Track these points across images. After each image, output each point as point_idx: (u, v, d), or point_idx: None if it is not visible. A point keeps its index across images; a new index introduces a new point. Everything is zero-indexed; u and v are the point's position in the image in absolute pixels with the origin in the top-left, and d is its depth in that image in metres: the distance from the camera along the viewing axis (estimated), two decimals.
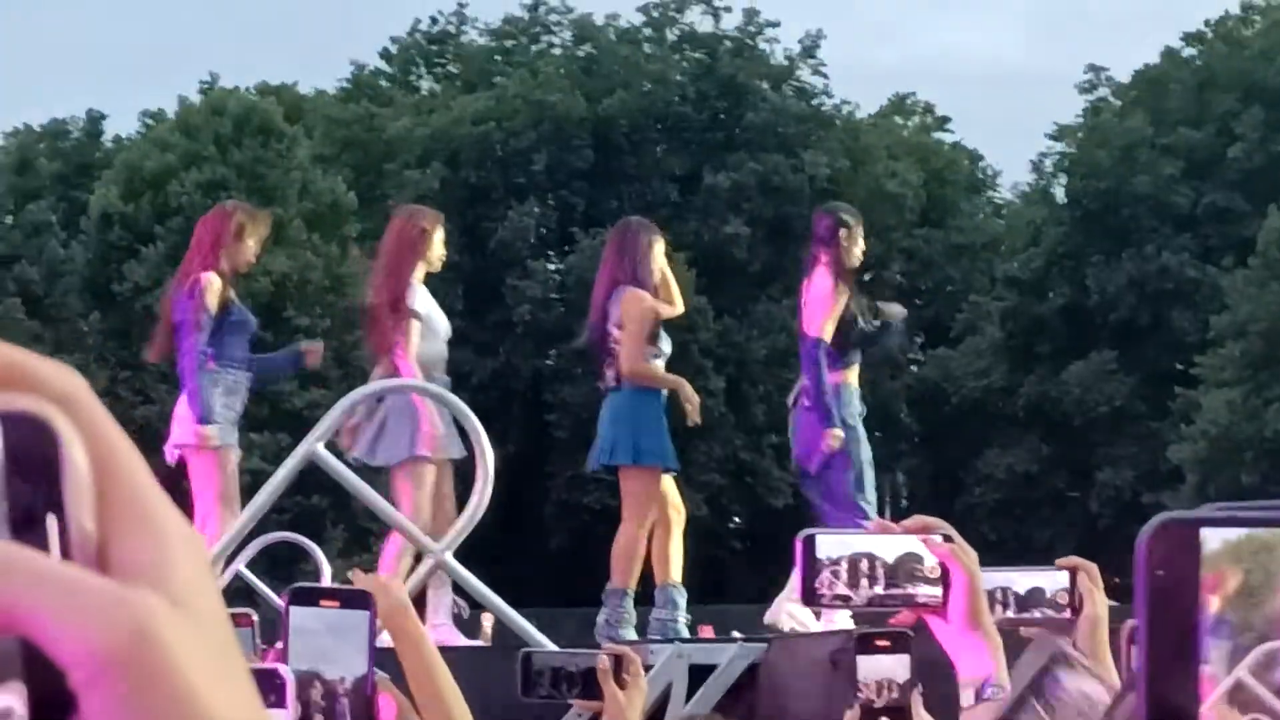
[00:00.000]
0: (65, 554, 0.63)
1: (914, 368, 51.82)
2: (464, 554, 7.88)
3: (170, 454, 9.31)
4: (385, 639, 4.01)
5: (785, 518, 38.79)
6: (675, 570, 9.43)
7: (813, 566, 2.68)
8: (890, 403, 47.54)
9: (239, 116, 45.38)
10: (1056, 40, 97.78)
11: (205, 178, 43.45)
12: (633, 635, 9.12)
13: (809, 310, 9.61)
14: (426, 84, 55.56)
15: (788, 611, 9.28)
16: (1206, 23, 51.91)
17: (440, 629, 8.68)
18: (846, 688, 3.24)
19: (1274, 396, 43.07)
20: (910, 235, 52.55)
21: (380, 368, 9.31)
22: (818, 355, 9.45)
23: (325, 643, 3.19)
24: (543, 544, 45.79)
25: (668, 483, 9.49)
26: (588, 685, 4.25)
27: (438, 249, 9.41)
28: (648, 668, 5.94)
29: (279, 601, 8.86)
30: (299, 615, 3.19)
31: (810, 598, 2.70)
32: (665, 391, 9.52)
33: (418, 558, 8.32)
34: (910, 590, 2.67)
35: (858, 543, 2.71)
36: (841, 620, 8.08)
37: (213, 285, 9.18)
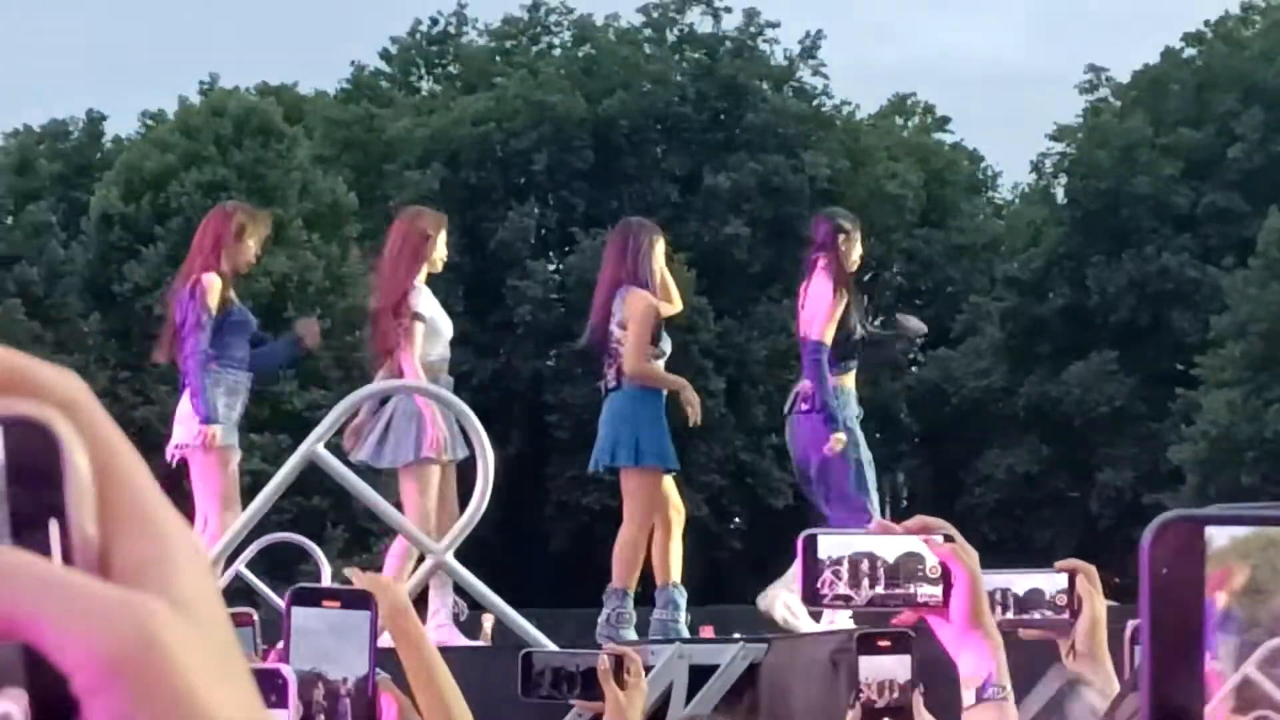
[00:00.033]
0: (67, 559, 0.63)
1: (914, 368, 51.84)
2: (464, 555, 7.88)
3: (171, 455, 9.32)
4: (386, 639, 4.02)
5: (785, 518, 38.81)
6: (676, 571, 9.43)
7: (814, 566, 2.68)
8: (891, 403, 47.57)
9: (239, 117, 45.38)
10: (1056, 41, 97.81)
11: (205, 178, 43.46)
12: (633, 635, 9.13)
13: (809, 315, 9.63)
14: (427, 85, 55.58)
15: (784, 601, 9.30)
16: (1206, 23, 51.96)
17: (441, 629, 8.69)
18: (847, 688, 3.24)
19: (1274, 397, 43.07)
20: (910, 236, 52.57)
21: (384, 370, 9.31)
22: (820, 359, 9.48)
23: (327, 643, 3.19)
24: (543, 544, 45.80)
25: (668, 483, 9.50)
26: (588, 685, 4.25)
27: (440, 251, 9.42)
28: (648, 668, 5.94)
29: (279, 602, 8.86)
30: (301, 615, 3.20)
31: (811, 598, 2.70)
32: (665, 392, 9.53)
33: (421, 559, 8.32)
34: (911, 590, 2.67)
35: (859, 543, 2.71)
36: (842, 620, 8.08)
37: (213, 286, 9.18)
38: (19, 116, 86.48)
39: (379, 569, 8.58)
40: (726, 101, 51.86)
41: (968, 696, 2.65)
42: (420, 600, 8.13)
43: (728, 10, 53.57)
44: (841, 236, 9.67)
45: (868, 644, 3.17)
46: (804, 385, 9.70)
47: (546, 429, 46.84)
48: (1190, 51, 51.66)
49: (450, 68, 55.47)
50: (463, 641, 9.27)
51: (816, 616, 8.59)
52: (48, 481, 0.63)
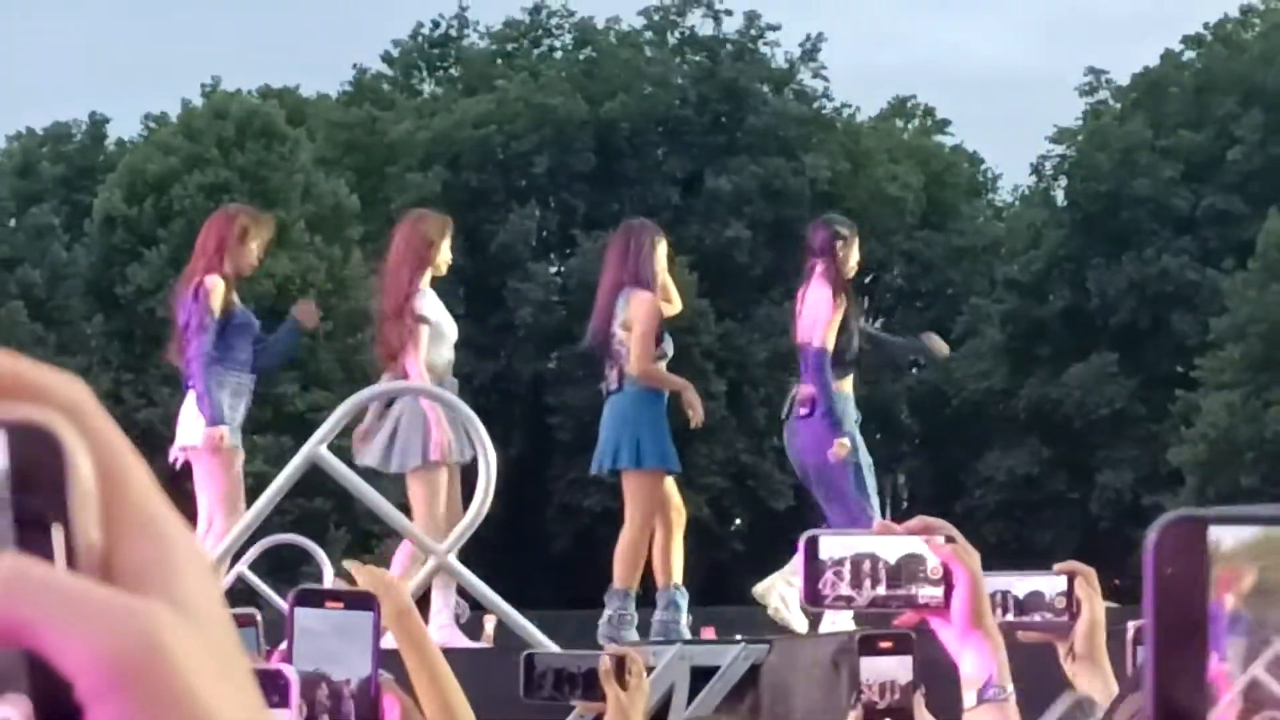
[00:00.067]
0: (70, 564, 0.63)
1: (915, 370, 51.84)
2: (466, 556, 7.89)
3: (175, 456, 9.33)
4: (390, 641, 4.03)
5: (786, 520, 38.82)
6: (677, 572, 9.45)
7: (815, 567, 2.69)
8: (891, 405, 47.57)
9: (241, 120, 45.39)
10: (1056, 43, 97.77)
11: (208, 181, 43.46)
12: (635, 637, 9.14)
13: (809, 321, 9.65)
14: (428, 87, 55.57)
15: (779, 593, 9.32)
16: (1206, 26, 51.96)
17: (443, 630, 8.70)
18: (849, 689, 3.25)
19: (1274, 399, 43.07)
20: (911, 238, 52.56)
21: (389, 374, 9.31)
22: (823, 364, 9.51)
23: (330, 644, 3.20)
24: (545, 546, 45.80)
25: (669, 484, 9.51)
26: (590, 686, 4.25)
27: (445, 254, 9.43)
28: (650, 669, 5.95)
29: (282, 603, 8.86)
30: (304, 616, 3.21)
31: (813, 598, 2.71)
32: (666, 394, 9.54)
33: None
34: (913, 591, 2.68)
35: (860, 544, 2.72)
36: (842, 621, 8.10)
37: (217, 288, 9.20)
38: (21, 119, 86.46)
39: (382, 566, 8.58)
40: (727, 104, 51.86)
41: (969, 697, 2.65)
42: (422, 601, 8.14)
43: (728, 13, 53.62)
44: (839, 242, 9.70)
45: (869, 645, 3.18)
46: (802, 390, 9.72)
47: (548, 431, 46.85)
48: (1190, 54, 51.66)
49: (452, 70, 55.47)
50: (465, 643, 9.27)
51: (817, 616, 8.60)
52: (51, 486, 0.63)
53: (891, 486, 45.06)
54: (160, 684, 0.61)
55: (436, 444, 9.05)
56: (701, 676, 7.77)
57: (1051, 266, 49.64)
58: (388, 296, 9.38)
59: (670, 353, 9.62)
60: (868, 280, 51.01)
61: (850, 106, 55.95)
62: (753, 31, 53.44)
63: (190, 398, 9.27)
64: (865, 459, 9.72)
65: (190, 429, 9.21)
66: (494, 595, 7.64)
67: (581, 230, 48.71)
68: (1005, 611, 3.22)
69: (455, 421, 8.85)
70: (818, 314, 9.60)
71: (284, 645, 3.37)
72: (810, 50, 53.73)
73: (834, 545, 2.71)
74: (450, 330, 9.46)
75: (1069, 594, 3.30)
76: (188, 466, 9.34)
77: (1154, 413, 46.43)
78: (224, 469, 9.14)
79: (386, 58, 55.63)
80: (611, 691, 4.19)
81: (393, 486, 9.34)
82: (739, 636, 8.45)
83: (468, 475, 8.43)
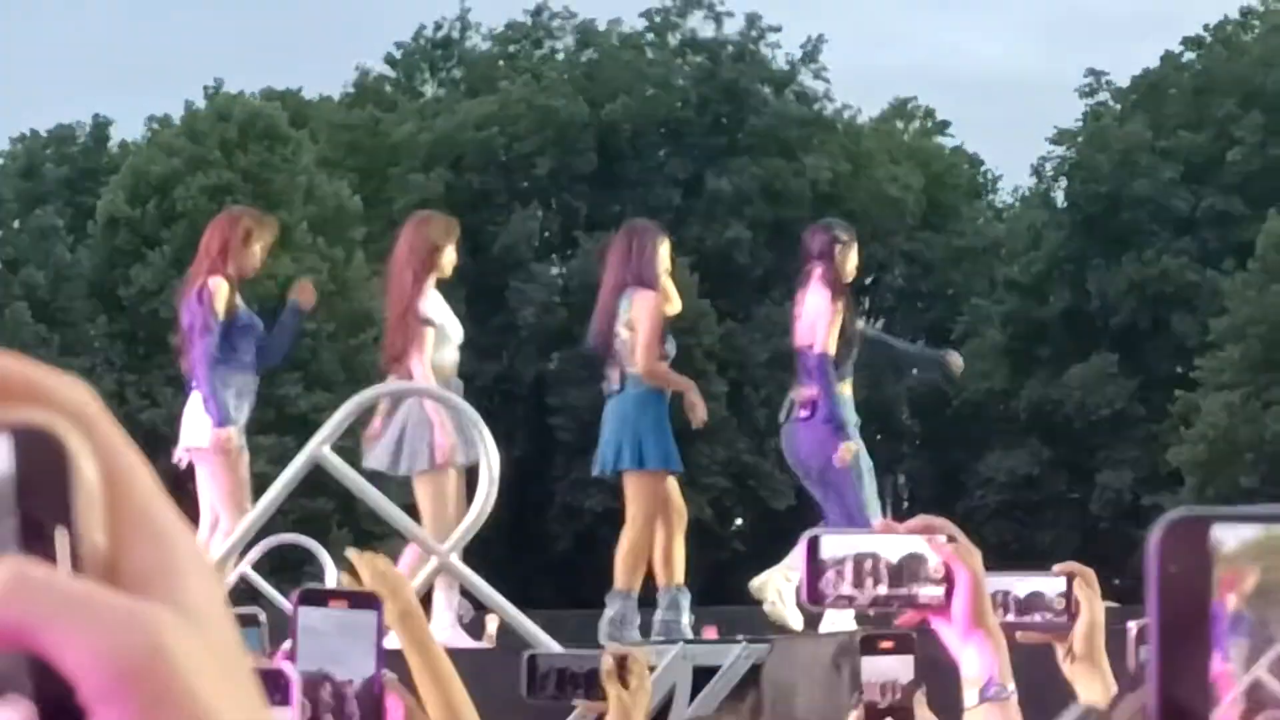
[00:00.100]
0: (75, 568, 0.63)
1: (915, 370, 51.76)
2: (468, 556, 7.90)
3: (180, 458, 9.34)
4: (394, 641, 4.04)
5: (787, 520, 38.78)
6: (678, 572, 9.46)
7: (817, 566, 2.70)
8: (892, 406, 47.55)
9: (244, 121, 45.37)
10: (1056, 45, 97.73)
11: (211, 182, 43.44)
12: (637, 636, 9.15)
13: (810, 325, 9.68)
14: (430, 89, 55.54)
15: (775, 587, 9.35)
16: (1206, 27, 51.91)
17: (446, 631, 8.70)
18: (850, 688, 3.26)
19: (1273, 399, 43.06)
20: (911, 239, 52.54)
21: (395, 376, 9.32)
22: (826, 368, 9.53)
23: (334, 644, 3.21)
24: (547, 546, 45.79)
25: (670, 484, 9.52)
26: (592, 686, 4.26)
27: (450, 256, 9.44)
28: (651, 669, 5.96)
29: (285, 603, 8.87)
30: (308, 616, 3.22)
31: (815, 598, 2.72)
32: (668, 395, 9.55)
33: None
34: (914, 590, 2.69)
35: (862, 543, 2.73)
36: (842, 620, 8.11)
37: (220, 290, 9.22)
38: (25, 121, 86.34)
39: None
40: (728, 105, 51.85)
41: (970, 696, 2.66)
42: (425, 602, 8.15)
43: (729, 15, 53.60)
44: (838, 246, 9.73)
45: (870, 645, 3.18)
46: (802, 393, 9.75)
47: (550, 431, 46.84)
48: (1190, 55, 51.63)
49: (454, 72, 55.44)
50: (467, 643, 9.28)
51: (815, 614, 8.62)
52: (55, 490, 0.63)
53: (892, 487, 45.07)
54: (163, 687, 0.61)
55: (441, 446, 9.06)
56: (703, 676, 7.79)
57: (1051, 267, 49.63)
58: (393, 299, 9.39)
59: (673, 353, 9.63)
60: (868, 281, 51.01)
61: (851, 108, 55.99)
62: (753, 33, 53.43)
63: (195, 399, 9.28)
64: (866, 462, 9.76)
65: (196, 430, 9.22)
66: (496, 595, 7.65)
67: (583, 231, 48.69)
68: (1006, 612, 3.23)
69: (460, 423, 8.86)
70: (817, 318, 9.62)
71: (288, 645, 3.39)
72: (811, 52, 53.74)
73: (836, 544, 2.72)
74: (455, 332, 9.46)
75: (1068, 595, 3.31)
76: (191, 467, 9.36)
77: (1154, 413, 46.41)
78: (230, 470, 9.15)
79: (389, 59, 55.62)
80: (614, 691, 4.20)
81: (395, 487, 9.35)
82: (740, 636, 8.47)
83: (470, 476, 8.44)
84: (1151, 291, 47.97)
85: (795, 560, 9.37)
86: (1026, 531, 46.74)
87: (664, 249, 9.55)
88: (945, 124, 57.92)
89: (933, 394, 50.10)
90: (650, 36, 53.97)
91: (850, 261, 9.81)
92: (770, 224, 49.09)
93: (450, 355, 9.38)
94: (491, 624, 12.56)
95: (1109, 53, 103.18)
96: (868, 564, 2.70)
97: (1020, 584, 3.32)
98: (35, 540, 0.63)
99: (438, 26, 55.11)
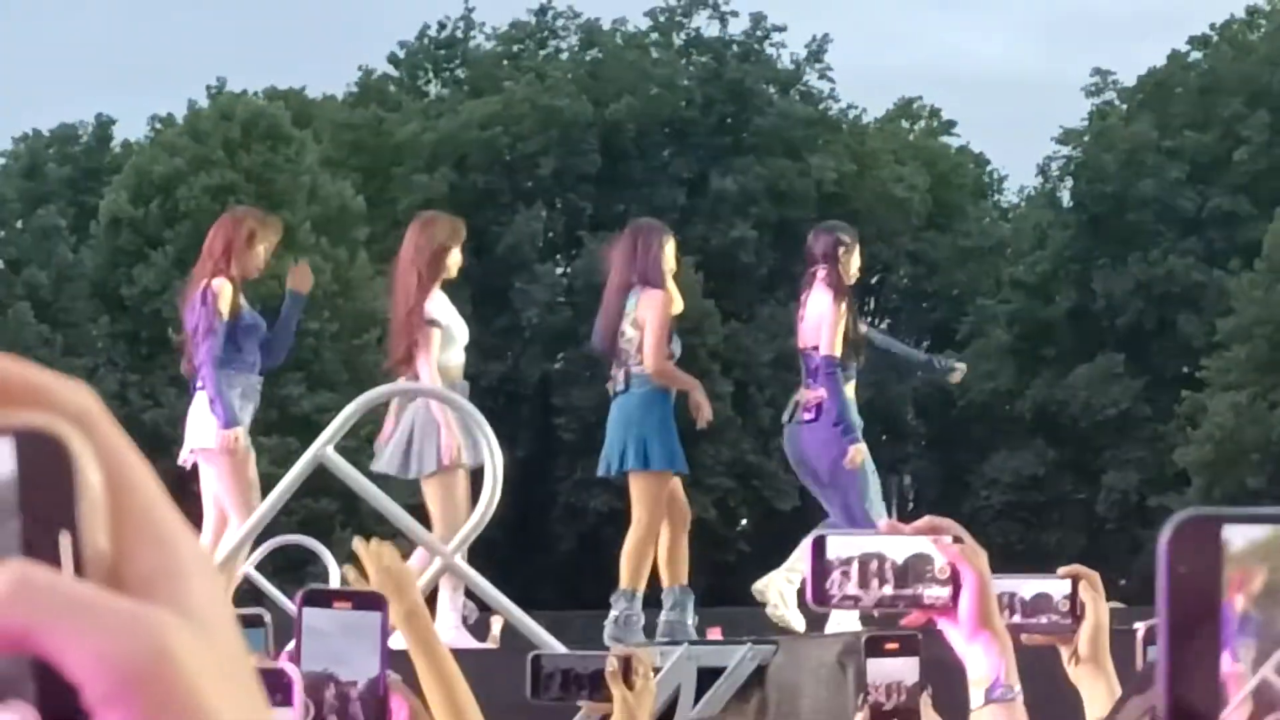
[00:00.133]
0: (78, 571, 0.63)
1: (919, 373, 51.71)
2: (472, 557, 7.90)
3: (186, 459, 9.34)
4: (399, 641, 4.03)
5: (792, 520, 38.78)
6: (683, 573, 9.45)
7: (823, 567, 2.69)
8: (897, 406, 47.56)
9: (247, 121, 45.39)
10: (1063, 44, 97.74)
11: (214, 182, 43.47)
12: (641, 637, 9.15)
13: (814, 327, 9.69)
14: (434, 89, 55.56)
15: (778, 589, 9.35)
16: (1212, 26, 51.89)
17: (450, 632, 8.70)
18: (855, 690, 3.25)
19: None
20: (917, 239, 52.55)
21: (402, 378, 9.32)
22: (834, 372, 9.55)
23: (338, 644, 3.20)
24: (551, 547, 45.80)
25: (674, 485, 9.52)
26: (597, 687, 4.25)
27: (455, 257, 9.44)
28: (656, 670, 5.95)
29: (288, 603, 8.86)
30: (312, 617, 3.21)
31: (820, 598, 2.72)
32: (673, 395, 9.55)
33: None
34: (920, 591, 2.68)
35: (868, 543, 2.72)
36: (847, 620, 8.10)
37: (224, 291, 9.21)
38: (28, 121, 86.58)
39: None
40: (733, 105, 51.87)
41: (976, 697, 2.65)
42: (429, 602, 8.14)
43: (734, 14, 53.62)
44: (841, 249, 9.76)
45: (876, 646, 3.18)
46: (806, 395, 9.76)
47: (554, 432, 46.86)
48: (1196, 55, 51.61)
49: (458, 72, 55.46)
50: (472, 644, 9.28)
51: (820, 615, 8.62)
52: (59, 494, 0.63)
53: (898, 488, 45.06)
54: (167, 690, 0.61)
55: (447, 448, 9.06)
56: (708, 677, 7.78)
57: (1057, 267, 49.62)
58: (398, 300, 9.38)
59: (679, 353, 9.63)
60: (873, 281, 51.02)
61: (856, 108, 56.04)
62: (759, 33, 53.45)
63: (200, 400, 9.27)
64: (869, 465, 9.77)
65: (202, 431, 9.22)
66: (501, 596, 7.65)
67: (588, 231, 48.70)
68: (1012, 613, 3.23)
69: (465, 425, 8.85)
70: (822, 320, 9.63)
71: (291, 646, 3.38)
72: (816, 51, 53.75)
73: (841, 545, 2.72)
74: (461, 333, 9.46)
75: (1073, 597, 3.31)
76: (195, 468, 9.35)
77: (1160, 414, 46.40)
78: (238, 471, 9.15)
79: (392, 59, 55.64)
80: (618, 692, 4.19)
81: (399, 488, 9.35)
82: (746, 637, 8.46)
83: (475, 477, 8.44)
84: (1158, 292, 47.97)
85: (797, 562, 9.41)
86: (1032, 532, 46.74)
87: (669, 248, 9.56)
88: (951, 124, 57.94)
89: (938, 395, 50.10)
90: (655, 36, 53.99)
91: (854, 264, 9.84)
92: (775, 224, 49.10)
93: (456, 357, 9.38)
94: (496, 625, 12.55)
95: (1115, 52, 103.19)
96: (873, 564, 2.69)
97: (1026, 586, 3.32)
98: (38, 544, 0.63)
99: (441, 26, 55.14)
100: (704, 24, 53.82)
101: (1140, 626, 3.44)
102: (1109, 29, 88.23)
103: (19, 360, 0.66)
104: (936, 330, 53.43)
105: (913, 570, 2.68)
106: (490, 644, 11.42)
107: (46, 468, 0.63)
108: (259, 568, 9.97)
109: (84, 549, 0.63)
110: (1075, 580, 3.33)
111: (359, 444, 9.61)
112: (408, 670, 3.79)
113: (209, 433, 9.15)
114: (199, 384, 9.26)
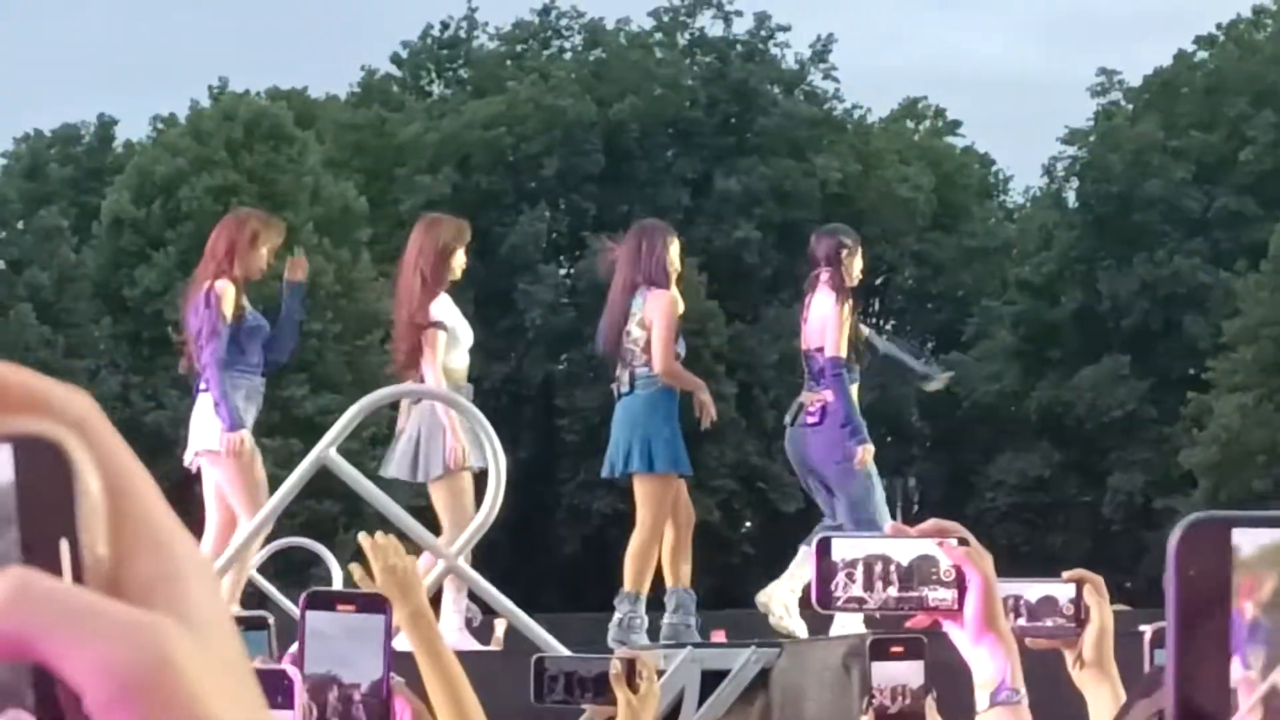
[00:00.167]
0: (78, 579, 0.63)
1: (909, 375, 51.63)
2: (475, 559, 7.89)
3: (191, 461, 9.33)
4: (404, 644, 4.01)
5: (796, 522, 38.77)
6: (686, 574, 9.45)
7: (827, 569, 2.69)
8: (902, 407, 47.52)
9: (250, 121, 45.41)
10: (1068, 44, 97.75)
11: (216, 183, 43.49)
12: (645, 640, 9.14)
13: (819, 329, 9.69)
14: (437, 89, 55.58)
15: (781, 600, 9.34)
16: (1218, 26, 51.88)
17: (453, 634, 8.69)
18: (860, 693, 3.24)
19: None
20: (921, 239, 52.55)
21: (409, 381, 9.31)
22: (841, 374, 9.57)
23: (342, 647, 3.19)
24: (554, 549, 45.80)
25: (679, 487, 9.52)
26: (601, 690, 4.24)
27: (459, 259, 9.43)
28: (660, 673, 5.94)
29: (290, 606, 8.83)
30: (315, 619, 3.20)
31: (825, 600, 2.71)
32: (678, 396, 9.55)
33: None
34: (925, 593, 2.68)
35: (873, 546, 2.72)
36: (852, 624, 8.09)
37: (227, 293, 9.21)
38: (29, 121, 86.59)
39: None
40: (737, 105, 51.87)
41: (982, 700, 2.65)
42: (434, 605, 8.13)
43: (738, 14, 53.63)
44: (844, 252, 9.79)
45: (880, 650, 3.18)
46: (811, 397, 9.76)
47: (557, 433, 46.87)
48: (1202, 55, 51.59)
49: (461, 72, 55.48)
50: (475, 646, 9.27)
51: (825, 618, 8.61)
52: (58, 501, 0.63)
53: (902, 490, 45.02)
54: (168, 698, 0.61)
55: (452, 451, 9.05)
56: (712, 680, 7.77)
57: (1063, 268, 49.60)
58: (402, 302, 9.37)
59: (683, 353, 9.64)
60: (878, 282, 51.02)
61: (861, 108, 56.03)
62: (763, 32, 53.44)
63: (204, 401, 9.27)
64: (872, 467, 9.79)
65: (206, 433, 9.21)
66: (504, 599, 7.64)
67: (591, 232, 48.69)
68: (1017, 617, 3.23)
69: (467, 426, 8.85)
70: (826, 322, 9.64)
71: (293, 648, 3.37)
72: (821, 51, 53.75)
73: (846, 547, 2.71)
74: (466, 335, 9.45)
75: (1077, 601, 3.31)
76: (198, 470, 9.35)
77: (1166, 415, 46.37)
78: (245, 472, 9.15)
79: (395, 59, 55.66)
80: (622, 695, 4.18)
81: (401, 490, 9.34)
82: (751, 640, 8.45)
83: (480, 480, 8.44)
84: (1163, 292, 47.94)
85: (798, 570, 9.43)
86: (1037, 534, 46.72)
87: (674, 248, 9.57)
88: (956, 124, 57.94)
89: (943, 396, 50.04)
90: (659, 36, 54.00)
91: (856, 266, 9.88)
92: (779, 224, 49.09)
93: (461, 359, 9.37)
94: (499, 627, 12.55)
95: (1121, 52, 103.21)
96: (878, 567, 2.69)
97: (1031, 590, 3.31)
98: (37, 551, 0.63)
99: (445, 26, 55.16)
100: (708, 24, 53.89)
101: (1147, 629, 3.43)
102: (1114, 29, 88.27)
103: (17, 367, 0.66)
104: (941, 331, 53.40)
105: (918, 573, 2.68)
106: (494, 646, 11.42)
107: (45, 475, 0.63)
108: (261, 570, 9.95)
109: (83, 556, 0.63)
110: (1080, 584, 3.33)
111: (362, 446, 9.62)
112: (411, 672, 3.79)
113: (213, 435, 9.15)
114: (202, 385, 9.26)
